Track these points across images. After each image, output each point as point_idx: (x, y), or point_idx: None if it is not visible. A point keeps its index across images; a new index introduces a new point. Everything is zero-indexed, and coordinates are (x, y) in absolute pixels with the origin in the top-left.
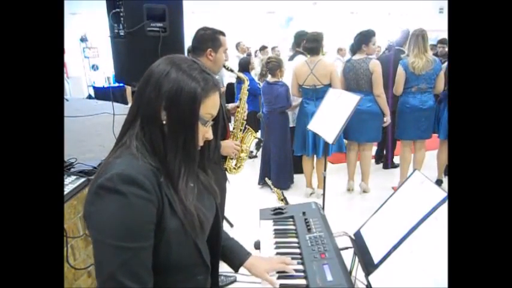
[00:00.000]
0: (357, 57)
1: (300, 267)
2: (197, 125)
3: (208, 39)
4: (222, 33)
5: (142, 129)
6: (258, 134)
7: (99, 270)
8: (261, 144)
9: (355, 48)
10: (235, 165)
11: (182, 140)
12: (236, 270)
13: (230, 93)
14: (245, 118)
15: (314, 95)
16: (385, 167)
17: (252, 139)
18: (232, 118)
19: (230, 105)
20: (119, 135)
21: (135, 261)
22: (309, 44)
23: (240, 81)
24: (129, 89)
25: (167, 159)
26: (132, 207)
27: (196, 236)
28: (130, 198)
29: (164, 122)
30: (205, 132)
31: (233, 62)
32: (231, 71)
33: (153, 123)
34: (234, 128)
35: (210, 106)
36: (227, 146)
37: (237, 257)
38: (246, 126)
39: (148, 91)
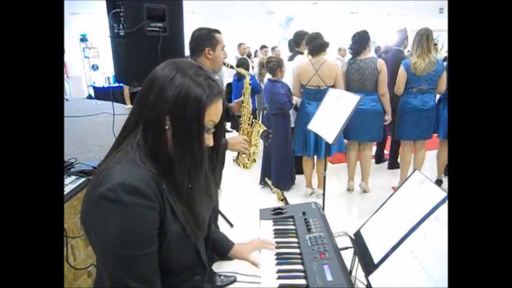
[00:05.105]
0: (362, 57)
1: (300, 267)
2: (203, 132)
3: (205, 38)
4: (218, 31)
5: (144, 135)
6: None
7: (108, 278)
8: (270, 136)
9: (359, 48)
10: (248, 159)
11: (190, 149)
12: (222, 258)
13: (229, 93)
14: (251, 112)
15: (317, 95)
16: (390, 167)
17: (261, 131)
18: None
19: (235, 102)
20: (117, 139)
21: (144, 266)
22: (315, 42)
23: (238, 78)
24: (126, 89)
25: (174, 167)
26: (135, 217)
27: (196, 239)
28: (132, 208)
29: (167, 128)
30: (206, 140)
31: (232, 62)
32: (231, 67)
33: (156, 129)
34: (241, 123)
35: (213, 113)
36: (235, 142)
37: (225, 246)
38: (253, 120)
39: (151, 96)
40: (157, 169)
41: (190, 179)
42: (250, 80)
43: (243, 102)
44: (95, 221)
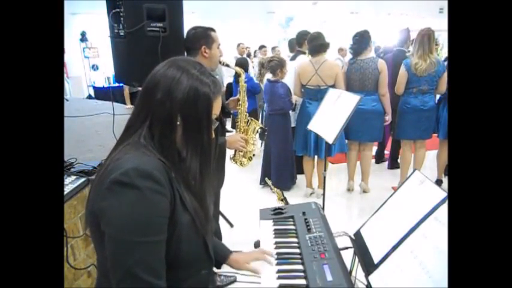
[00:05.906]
0: (363, 57)
1: (300, 267)
2: (212, 126)
3: (201, 36)
4: (213, 30)
5: (150, 132)
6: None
7: (115, 265)
8: (265, 133)
9: (359, 48)
10: (244, 157)
11: (201, 142)
12: (219, 267)
13: (229, 93)
14: (247, 110)
15: (318, 95)
16: (390, 167)
17: (257, 128)
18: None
19: (231, 99)
20: (121, 137)
21: (152, 255)
22: (315, 42)
23: (237, 80)
24: (127, 89)
25: (185, 162)
26: (148, 201)
27: (205, 232)
28: (145, 192)
29: (178, 124)
30: None
31: (231, 63)
32: (227, 65)
33: (166, 126)
34: (238, 121)
35: (217, 107)
36: (233, 140)
37: (221, 254)
38: (250, 118)
39: (159, 96)
40: (164, 159)
41: (201, 172)
42: (245, 79)
43: (239, 100)
44: (108, 206)
